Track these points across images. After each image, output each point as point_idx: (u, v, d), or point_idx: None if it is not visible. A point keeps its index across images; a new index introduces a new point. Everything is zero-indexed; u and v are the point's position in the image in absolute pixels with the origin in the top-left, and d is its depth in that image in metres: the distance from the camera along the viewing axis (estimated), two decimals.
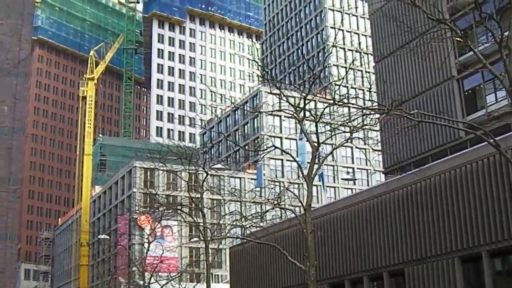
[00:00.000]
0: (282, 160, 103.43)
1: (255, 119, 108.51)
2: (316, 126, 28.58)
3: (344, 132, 30.13)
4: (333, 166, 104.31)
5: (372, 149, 31.68)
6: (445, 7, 44.38)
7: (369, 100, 28.51)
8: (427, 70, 50.03)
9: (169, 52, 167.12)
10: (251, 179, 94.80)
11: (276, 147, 32.17)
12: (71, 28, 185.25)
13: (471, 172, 30.64)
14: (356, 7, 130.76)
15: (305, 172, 28.67)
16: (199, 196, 41.81)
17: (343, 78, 29.70)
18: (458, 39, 23.89)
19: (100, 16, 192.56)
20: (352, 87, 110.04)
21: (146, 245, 56.07)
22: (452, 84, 47.92)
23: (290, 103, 29.06)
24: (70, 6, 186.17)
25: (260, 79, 35.19)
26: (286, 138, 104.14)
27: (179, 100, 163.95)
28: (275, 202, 32.78)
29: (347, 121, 29.33)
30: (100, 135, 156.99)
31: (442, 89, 48.86)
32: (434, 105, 48.98)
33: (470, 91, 47.08)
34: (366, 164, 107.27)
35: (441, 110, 46.49)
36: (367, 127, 28.73)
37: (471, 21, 38.76)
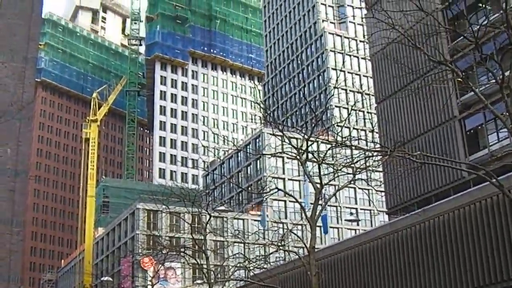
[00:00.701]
0: (285, 201, 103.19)
1: (258, 161, 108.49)
2: (319, 168, 28.61)
3: (347, 173, 30.14)
4: (336, 207, 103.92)
5: (376, 190, 31.68)
6: (446, 48, 44.71)
7: (371, 142, 28.60)
8: (429, 111, 50.20)
9: (172, 94, 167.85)
10: (255, 220, 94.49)
11: (279, 189, 32.17)
12: (74, 70, 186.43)
13: (475, 212, 30.59)
14: (358, 49, 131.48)
15: (309, 214, 28.63)
16: (203, 238, 41.64)
17: (345, 120, 29.83)
18: (459, 79, 24.07)
19: (103, 58, 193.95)
20: (354, 128, 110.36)
21: (149, 287, 55.77)
22: (454, 124, 48.06)
23: (292, 145, 29.13)
24: (73, 48, 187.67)
25: (263, 121, 35.36)
26: (289, 179, 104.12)
27: (182, 142, 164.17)
28: (279, 244, 32.72)
29: (350, 163, 29.35)
30: (103, 177, 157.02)
31: (444, 129, 48.98)
32: (436, 145, 49.06)
33: (472, 131, 47.18)
34: (370, 205, 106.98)
35: (443, 150, 46.56)
36: (370, 168, 28.76)
37: (472, 61, 39.03)
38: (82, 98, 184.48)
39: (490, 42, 37.03)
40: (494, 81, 21.96)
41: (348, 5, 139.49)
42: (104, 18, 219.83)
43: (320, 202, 28.87)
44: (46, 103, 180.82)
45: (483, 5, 42.02)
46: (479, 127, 46.65)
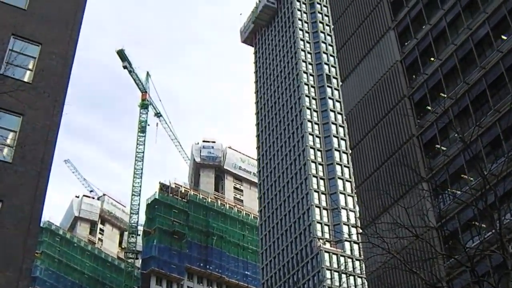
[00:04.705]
0: None
1: None
2: None
3: None
4: None
5: None
6: (442, 268, 44.73)
7: None
8: None
9: None
10: None
11: None
12: (69, 281, 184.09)
13: None
14: (354, 267, 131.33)
15: None
16: None
17: None
18: None
19: (99, 270, 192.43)
20: None
21: None
22: None
23: None
24: (70, 258, 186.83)
25: None
26: None
27: None
28: None
29: None
30: None
31: None
32: None
33: None
34: None
35: None
36: None
37: (469, 280, 38.92)
38: None
39: (486, 260, 37.15)
40: None
41: (344, 224, 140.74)
42: (102, 230, 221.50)
43: None
44: None
45: (476, 223, 42.48)
46: None
